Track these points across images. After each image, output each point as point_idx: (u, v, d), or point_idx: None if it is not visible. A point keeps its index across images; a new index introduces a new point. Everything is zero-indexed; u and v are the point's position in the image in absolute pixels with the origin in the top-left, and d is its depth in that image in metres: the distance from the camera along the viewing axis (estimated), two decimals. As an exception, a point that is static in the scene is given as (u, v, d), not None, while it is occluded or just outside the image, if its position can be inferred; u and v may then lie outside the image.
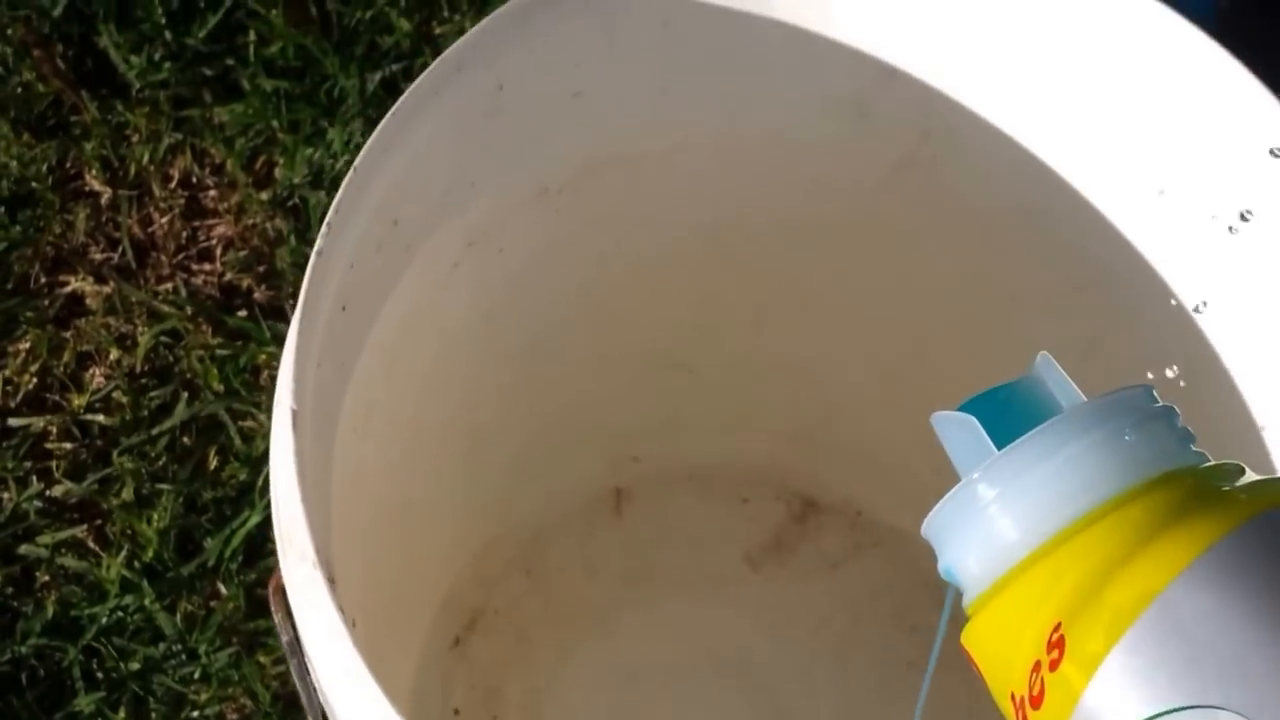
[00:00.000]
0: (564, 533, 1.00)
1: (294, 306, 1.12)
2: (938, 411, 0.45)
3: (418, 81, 0.63)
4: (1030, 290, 0.80)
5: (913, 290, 0.84)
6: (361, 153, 0.61)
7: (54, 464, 1.12)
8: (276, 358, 1.13)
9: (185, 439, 1.12)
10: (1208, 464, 0.41)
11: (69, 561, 1.09)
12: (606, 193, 0.78)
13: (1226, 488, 0.40)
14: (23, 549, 1.09)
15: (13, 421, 1.14)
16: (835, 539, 1.00)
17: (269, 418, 1.09)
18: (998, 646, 0.41)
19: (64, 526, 1.10)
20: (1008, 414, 0.43)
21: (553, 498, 0.99)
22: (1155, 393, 0.42)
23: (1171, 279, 0.73)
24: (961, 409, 0.44)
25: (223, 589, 1.07)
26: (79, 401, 1.14)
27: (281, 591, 0.61)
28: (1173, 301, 0.73)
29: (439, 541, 0.93)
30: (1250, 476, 0.41)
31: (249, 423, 1.12)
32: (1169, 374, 0.75)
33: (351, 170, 0.61)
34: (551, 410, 0.93)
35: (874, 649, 0.97)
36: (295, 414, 0.57)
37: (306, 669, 0.61)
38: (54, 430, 1.13)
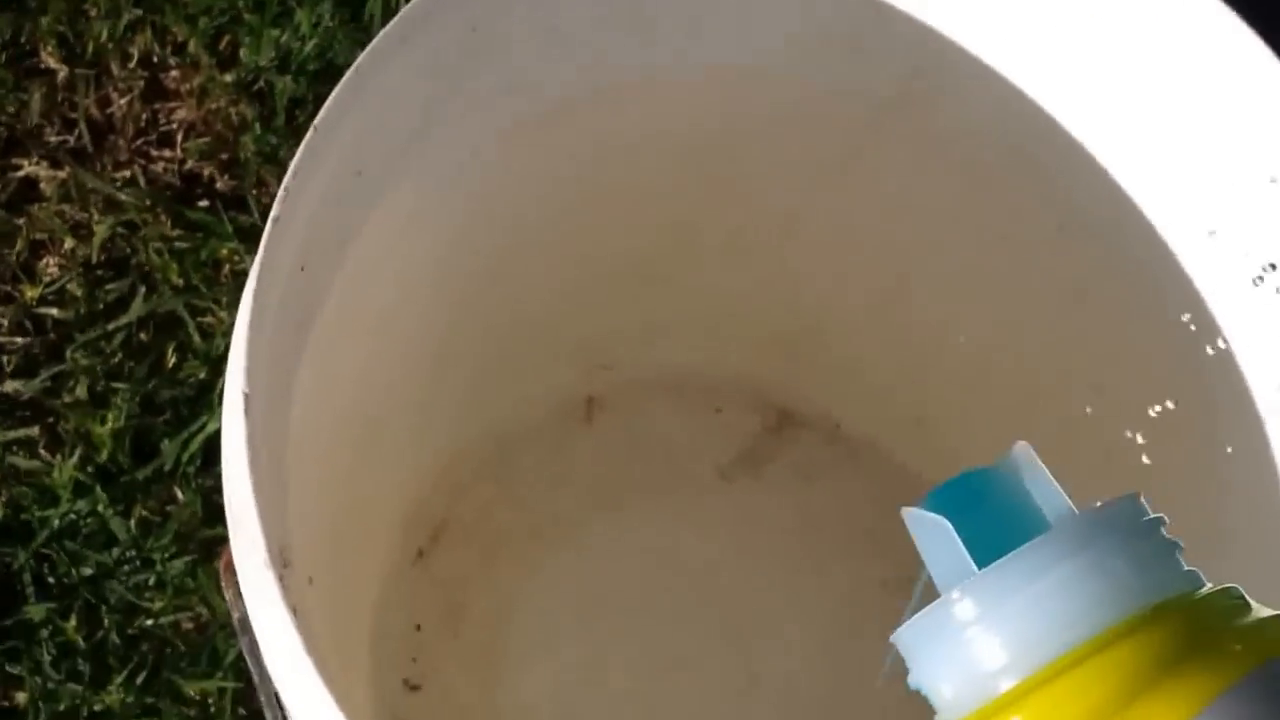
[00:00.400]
0: (533, 442, 0.97)
1: (257, 198, 1.10)
2: (907, 508, 0.42)
3: (384, 31, 0.59)
4: (1019, 231, 0.78)
5: (899, 224, 0.81)
6: (323, 110, 0.58)
7: (5, 359, 1.09)
8: (238, 252, 1.09)
9: (142, 335, 1.09)
10: (1201, 592, 0.39)
11: (20, 461, 1.06)
12: (583, 124, 0.75)
13: (1222, 629, 0.38)
14: (-28, 447, 1.06)
15: (-37, 313, 1.10)
16: (811, 452, 0.98)
17: (230, 315, 1.06)
18: None
19: (15, 425, 1.07)
20: (981, 508, 0.41)
21: (522, 406, 0.96)
22: (1144, 501, 0.40)
23: (1164, 225, 0.71)
24: (933, 497, 0.41)
25: (179, 494, 1.04)
26: (32, 293, 1.10)
27: (232, 569, 0.58)
28: (1165, 249, 0.71)
29: (402, 451, 0.90)
30: (1251, 612, 0.39)
31: (208, 319, 1.09)
32: (1160, 321, 0.73)
33: (311, 130, 0.57)
34: (520, 320, 0.90)
35: (846, 565, 0.95)
36: (248, 398, 0.54)
37: (258, 648, 0.59)
38: (5, 323, 1.10)
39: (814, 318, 0.92)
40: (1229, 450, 0.73)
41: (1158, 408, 0.77)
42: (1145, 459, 0.79)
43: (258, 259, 0.56)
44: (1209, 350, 0.71)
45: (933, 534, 0.41)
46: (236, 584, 0.57)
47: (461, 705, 0.91)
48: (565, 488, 0.96)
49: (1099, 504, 0.40)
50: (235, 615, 0.61)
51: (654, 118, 0.76)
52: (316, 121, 0.57)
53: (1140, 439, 0.78)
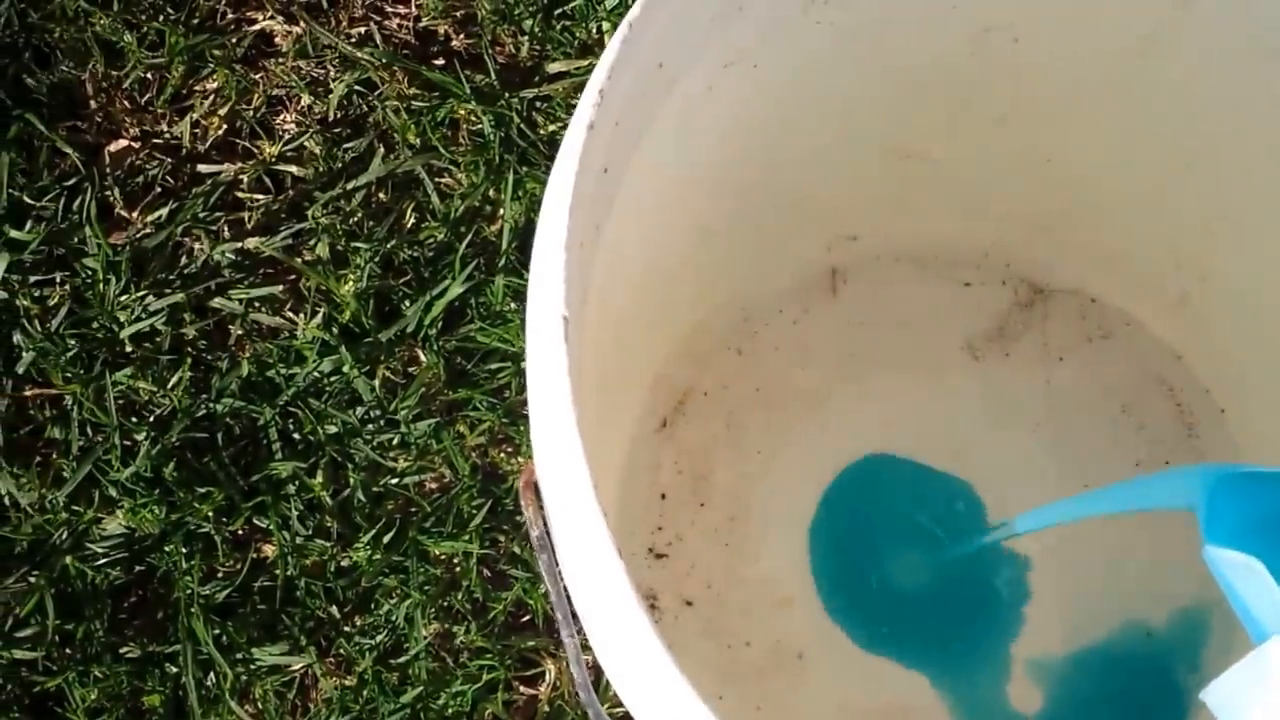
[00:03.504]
0: (777, 312, 0.96)
1: (493, 57, 1.08)
2: (1209, 547, 0.39)
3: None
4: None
5: (1195, 110, 0.78)
6: (638, 4, 0.56)
7: (246, 215, 1.09)
8: (475, 113, 1.08)
9: (381, 195, 1.08)
10: None
11: (263, 318, 1.06)
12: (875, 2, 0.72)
13: None
14: (216, 302, 1.06)
15: (202, 168, 1.10)
16: (1063, 328, 0.95)
17: (466, 176, 1.05)
18: None
19: (257, 283, 1.07)
20: None
21: (766, 275, 0.94)
22: None
23: None
24: (1230, 506, 0.38)
25: (422, 356, 1.04)
26: (270, 150, 1.09)
27: (534, 487, 0.57)
28: None
29: (651, 326, 0.89)
30: None
31: (446, 180, 1.08)
32: None
33: (625, 25, 0.55)
34: (774, 192, 0.88)
35: (1098, 444, 0.93)
36: (568, 322, 0.52)
37: (557, 564, 0.57)
38: (245, 180, 1.09)
39: (1081, 194, 0.88)
40: None
41: None
42: None
43: (571, 169, 0.54)
44: None
45: (1241, 574, 0.38)
46: (537, 501, 0.56)
47: (707, 575, 0.91)
48: (808, 359, 0.95)
49: None
50: (534, 533, 0.60)
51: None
52: (631, 17, 0.55)
53: None
